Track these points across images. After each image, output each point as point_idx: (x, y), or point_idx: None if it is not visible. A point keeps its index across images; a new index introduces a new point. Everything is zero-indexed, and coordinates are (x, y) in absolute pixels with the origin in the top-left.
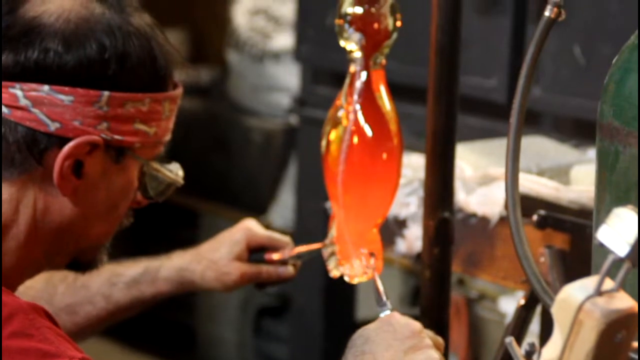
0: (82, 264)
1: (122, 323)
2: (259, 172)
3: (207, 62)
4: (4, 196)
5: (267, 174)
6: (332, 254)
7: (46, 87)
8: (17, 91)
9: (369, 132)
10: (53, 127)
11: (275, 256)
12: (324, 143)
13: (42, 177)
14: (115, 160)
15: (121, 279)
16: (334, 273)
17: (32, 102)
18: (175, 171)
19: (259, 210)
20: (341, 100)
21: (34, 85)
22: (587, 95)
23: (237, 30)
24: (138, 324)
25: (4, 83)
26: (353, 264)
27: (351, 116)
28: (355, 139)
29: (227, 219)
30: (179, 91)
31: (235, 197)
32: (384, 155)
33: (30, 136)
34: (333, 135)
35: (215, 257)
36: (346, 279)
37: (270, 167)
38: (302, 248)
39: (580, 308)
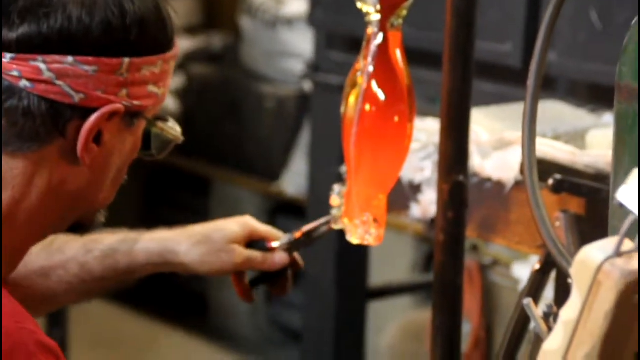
0: (83, 226)
1: (135, 290)
2: (272, 139)
3: (220, 28)
4: (16, 170)
5: (279, 140)
6: (340, 206)
7: (70, 59)
8: (40, 64)
9: (382, 94)
10: (77, 98)
11: (276, 244)
12: (343, 108)
13: (61, 148)
14: (129, 124)
15: (98, 247)
16: (335, 225)
17: (56, 75)
18: (175, 128)
19: (271, 176)
20: (360, 63)
21: (57, 57)
22: (603, 59)
23: None
24: (151, 291)
25: (24, 56)
26: (356, 226)
27: (365, 78)
28: (369, 101)
29: (239, 186)
30: (178, 47)
31: (248, 164)
32: (396, 118)
33: (55, 109)
34: (352, 98)
35: (213, 235)
36: (347, 237)
37: (283, 134)
38: (309, 226)
39: (599, 269)
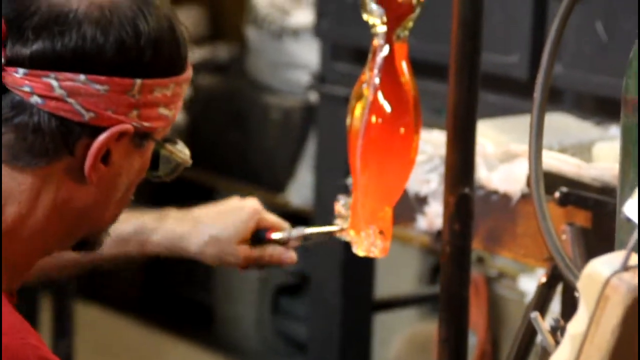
0: (88, 243)
1: (141, 301)
2: (277, 150)
3: (226, 38)
4: (24, 185)
5: (285, 151)
6: (346, 217)
7: (82, 77)
8: (52, 81)
9: (388, 106)
10: (87, 116)
11: (276, 236)
12: (348, 120)
13: (69, 166)
14: (138, 145)
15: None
16: (340, 237)
17: (68, 92)
18: (184, 151)
19: (276, 188)
20: (366, 75)
21: (69, 75)
22: (609, 72)
23: (256, 7)
24: (157, 301)
25: (37, 72)
26: (362, 238)
27: (371, 90)
28: (375, 113)
29: (245, 197)
30: (191, 70)
31: (253, 175)
32: (402, 130)
33: (64, 127)
34: (357, 110)
35: (220, 236)
36: (353, 249)
37: (288, 145)
38: (312, 230)
39: (606, 283)
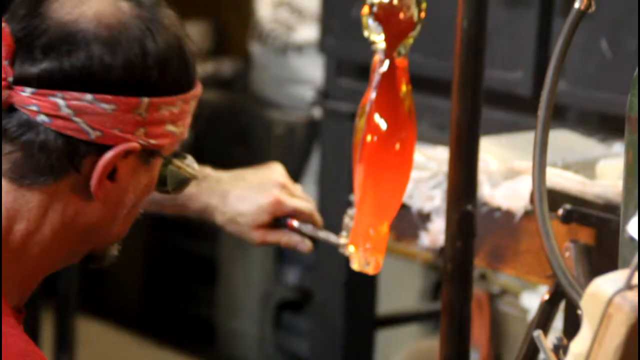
0: (96, 257)
1: (142, 316)
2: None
3: (230, 54)
4: (32, 203)
5: (289, 166)
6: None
7: (89, 96)
8: (59, 100)
9: (384, 124)
10: (94, 135)
11: (297, 224)
12: (354, 135)
13: (76, 183)
14: (145, 162)
15: None
16: (342, 251)
17: (74, 111)
18: (192, 166)
19: None
20: None
21: (76, 94)
22: (613, 89)
23: (261, 22)
24: (158, 317)
25: (44, 91)
26: (359, 253)
27: (368, 106)
28: (370, 132)
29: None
30: (200, 87)
31: None
32: (397, 146)
33: (71, 145)
34: (361, 125)
35: (240, 220)
36: (351, 264)
37: (292, 160)
38: (322, 235)
39: (610, 302)
